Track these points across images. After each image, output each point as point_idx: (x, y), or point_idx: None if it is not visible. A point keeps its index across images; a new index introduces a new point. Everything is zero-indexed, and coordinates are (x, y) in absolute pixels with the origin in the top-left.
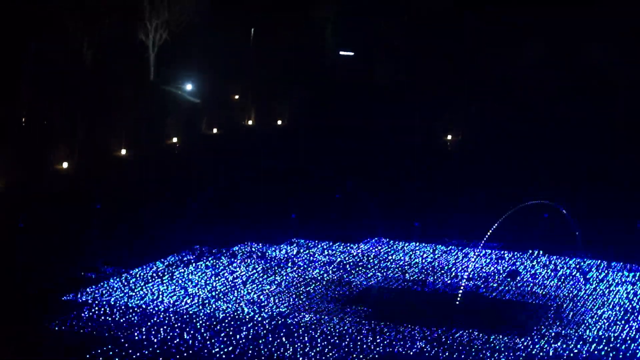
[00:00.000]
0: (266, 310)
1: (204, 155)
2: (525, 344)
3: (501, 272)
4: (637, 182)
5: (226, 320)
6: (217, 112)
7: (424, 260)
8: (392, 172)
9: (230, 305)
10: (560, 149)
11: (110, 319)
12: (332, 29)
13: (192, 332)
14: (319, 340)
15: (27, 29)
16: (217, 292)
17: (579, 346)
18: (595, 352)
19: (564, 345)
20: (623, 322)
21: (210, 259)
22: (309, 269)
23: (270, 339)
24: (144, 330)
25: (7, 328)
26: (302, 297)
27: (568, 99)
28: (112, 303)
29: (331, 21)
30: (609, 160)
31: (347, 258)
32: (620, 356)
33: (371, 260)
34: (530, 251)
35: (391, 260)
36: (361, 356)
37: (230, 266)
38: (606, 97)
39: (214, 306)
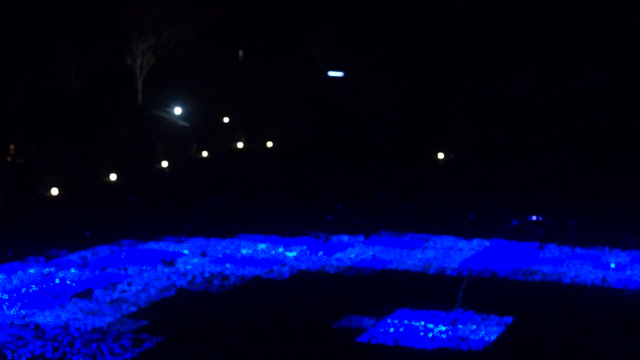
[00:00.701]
0: None
1: (194, 178)
2: None
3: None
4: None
5: None
6: (206, 135)
7: None
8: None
9: None
10: (553, 166)
11: None
12: (323, 50)
13: None
14: None
15: (13, 56)
16: None
17: None
18: None
19: None
20: None
21: None
22: None
23: None
24: None
25: None
26: None
27: (560, 117)
28: None
29: (322, 43)
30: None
31: None
32: None
33: None
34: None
35: None
36: None
37: None
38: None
39: None
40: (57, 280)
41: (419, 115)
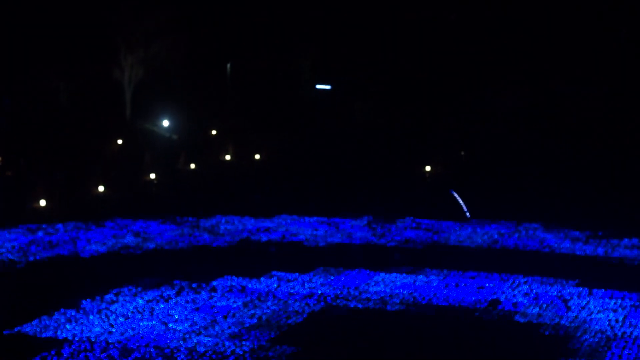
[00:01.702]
0: None
1: (181, 191)
2: None
3: None
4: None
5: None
6: (195, 148)
7: None
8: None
9: None
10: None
11: None
12: (311, 64)
13: None
14: None
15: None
16: None
17: None
18: None
19: None
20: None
21: None
22: None
23: None
24: None
25: None
26: None
27: (549, 132)
28: None
29: (310, 58)
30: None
31: None
32: None
33: None
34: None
35: None
36: None
37: None
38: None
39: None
40: None
41: (407, 128)
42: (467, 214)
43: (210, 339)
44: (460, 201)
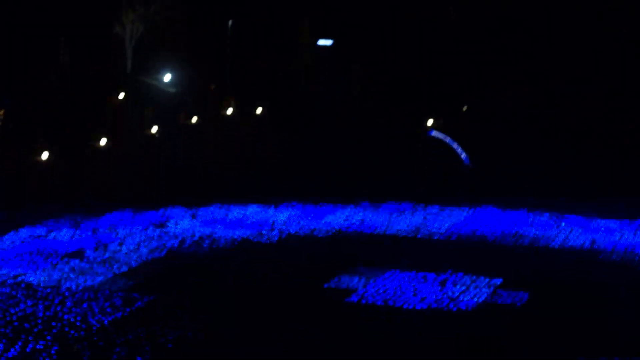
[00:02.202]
0: None
1: (182, 145)
2: None
3: None
4: None
5: None
6: (195, 102)
7: None
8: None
9: None
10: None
11: None
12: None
13: None
14: None
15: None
16: None
17: None
18: None
19: None
20: None
21: None
22: None
23: None
24: None
25: None
26: None
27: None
28: None
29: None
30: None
31: None
32: None
33: None
34: None
35: None
36: None
37: None
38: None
39: None
40: None
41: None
42: (469, 163)
43: None
44: (455, 146)
